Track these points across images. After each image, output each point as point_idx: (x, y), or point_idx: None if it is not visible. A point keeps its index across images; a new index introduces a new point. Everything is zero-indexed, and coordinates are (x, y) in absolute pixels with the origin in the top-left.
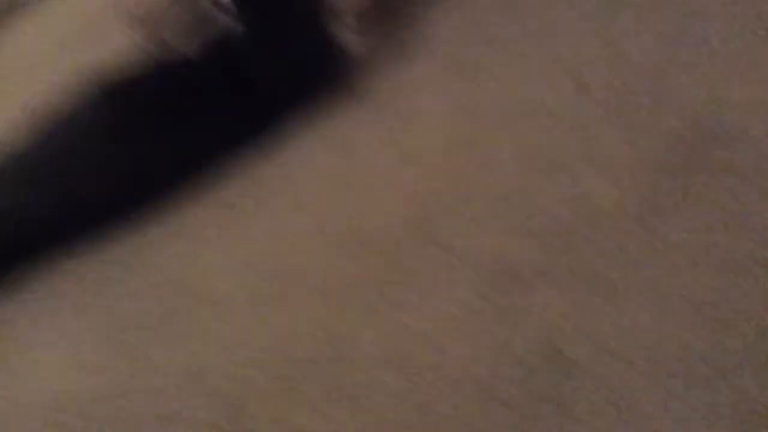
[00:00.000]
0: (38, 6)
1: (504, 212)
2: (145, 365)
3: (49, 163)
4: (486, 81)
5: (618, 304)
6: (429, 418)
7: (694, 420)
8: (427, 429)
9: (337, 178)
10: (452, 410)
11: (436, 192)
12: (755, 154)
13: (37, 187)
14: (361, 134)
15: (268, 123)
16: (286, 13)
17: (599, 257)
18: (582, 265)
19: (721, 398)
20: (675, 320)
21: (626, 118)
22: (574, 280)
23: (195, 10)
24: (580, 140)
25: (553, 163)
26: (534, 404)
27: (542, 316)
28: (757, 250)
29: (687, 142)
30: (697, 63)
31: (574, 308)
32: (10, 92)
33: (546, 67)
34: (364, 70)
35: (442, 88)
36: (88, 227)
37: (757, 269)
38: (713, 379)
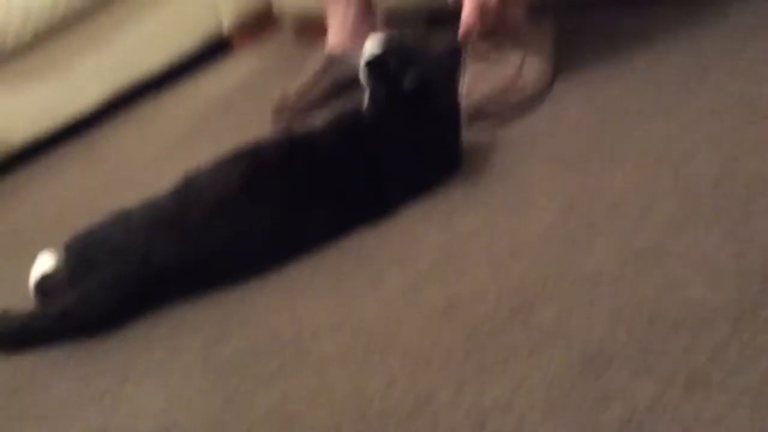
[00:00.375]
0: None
1: (599, 300)
2: (237, 407)
3: (183, 216)
4: (592, 179)
5: (706, 395)
6: None
7: None
8: None
9: (443, 256)
10: None
11: (534, 276)
12: None
13: (168, 236)
14: (470, 219)
15: (385, 200)
16: (422, 102)
17: (689, 350)
18: (671, 356)
19: None
20: (763, 414)
21: (733, 226)
22: (662, 369)
23: (332, 89)
24: (682, 240)
25: (651, 257)
26: None
27: (626, 399)
28: None
29: None
30: None
31: (659, 394)
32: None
33: (654, 171)
34: (478, 160)
35: (549, 183)
36: (204, 276)
37: None
38: None
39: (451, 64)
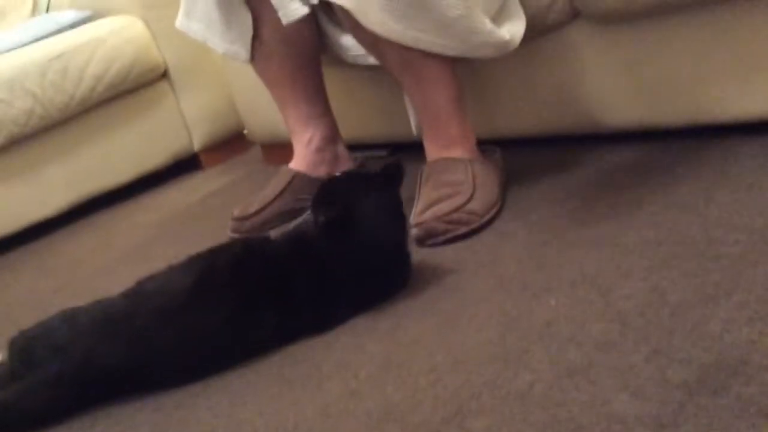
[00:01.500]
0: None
1: (529, 412)
2: None
3: (131, 318)
4: (529, 300)
5: None
6: None
7: None
8: None
9: (384, 365)
10: None
11: (469, 388)
12: None
13: (114, 337)
14: (412, 331)
15: (331, 311)
16: (370, 222)
17: None
18: None
19: None
20: None
21: (656, 345)
22: None
23: (293, 206)
24: (609, 358)
25: (580, 374)
26: None
27: None
28: None
29: (712, 374)
30: (735, 318)
31: None
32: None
33: (586, 295)
34: (425, 277)
35: (489, 302)
36: (146, 379)
37: None
38: None
39: (389, 185)
